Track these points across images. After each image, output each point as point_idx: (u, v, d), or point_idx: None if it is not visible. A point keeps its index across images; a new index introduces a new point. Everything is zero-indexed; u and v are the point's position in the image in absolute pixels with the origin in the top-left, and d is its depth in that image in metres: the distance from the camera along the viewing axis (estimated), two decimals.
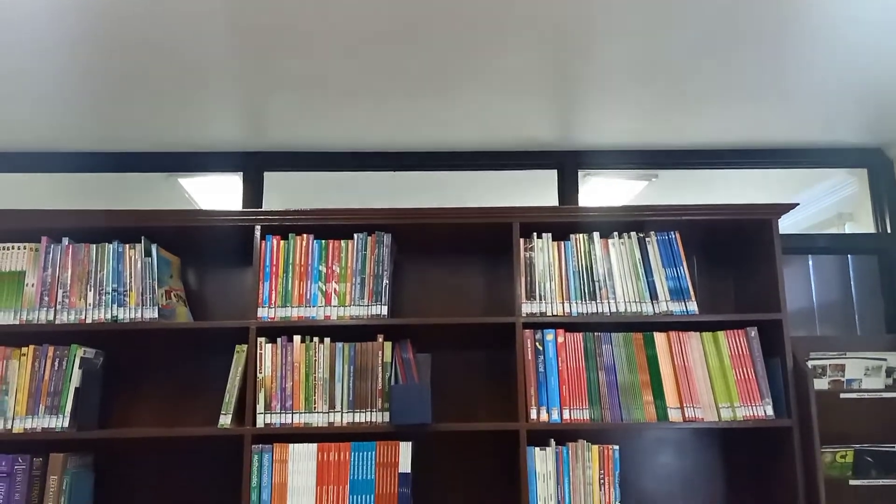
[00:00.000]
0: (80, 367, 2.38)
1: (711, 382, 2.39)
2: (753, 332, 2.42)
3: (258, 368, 2.39)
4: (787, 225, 3.31)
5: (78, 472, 2.37)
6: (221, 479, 2.58)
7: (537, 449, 2.34)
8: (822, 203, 3.56)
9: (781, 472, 2.39)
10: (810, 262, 3.51)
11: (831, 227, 3.48)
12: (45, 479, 2.29)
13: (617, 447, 2.35)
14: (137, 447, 2.61)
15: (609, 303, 2.45)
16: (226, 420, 2.35)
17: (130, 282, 2.44)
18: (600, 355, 2.41)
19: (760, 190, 3.50)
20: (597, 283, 2.47)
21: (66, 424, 2.32)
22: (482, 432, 2.62)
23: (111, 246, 2.47)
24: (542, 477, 2.32)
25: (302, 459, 2.33)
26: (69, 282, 2.43)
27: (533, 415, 2.36)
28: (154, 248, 2.48)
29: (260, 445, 2.33)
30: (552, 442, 2.36)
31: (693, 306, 2.44)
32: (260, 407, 2.37)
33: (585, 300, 2.45)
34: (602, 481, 2.32)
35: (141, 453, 2.61)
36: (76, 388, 2.36)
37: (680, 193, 3.44)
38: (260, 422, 2.36)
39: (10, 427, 2.31)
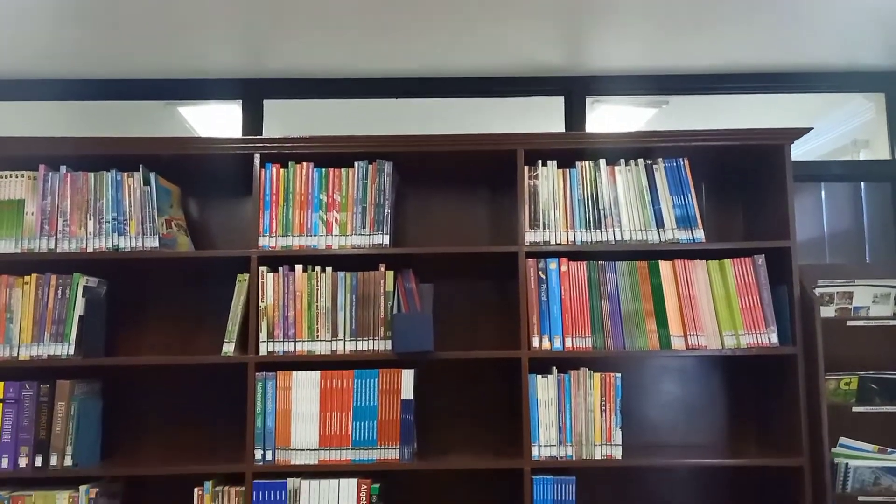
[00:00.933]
0: (83, 296, 2.38)
1: (716, 310, 2.37)
2: (760, 259, 2.39)
3: (260, 297, 2.38)
4: (800, 154, 3.23)
5: (85, 399, 2.40)
6: (227, 406, 2.61)
7: (539, 377, 2.34)
8: (837, 131, 3.47)
9: (785, 399, 2.39)
10: (822, 191, 3.45)
11: (845, 155, 3.40)
12: (52, 405, 2.32)
13: (619, 375, 2.34)
14: (144, 375, 2.64)
15: (614, 231, 2.41)
16: (229, 348, 2.36)
17: (130, 210, 2.42)
18: (604, 284, 2.39)
19: (773, 119, 3.41)
20: (602, 212, 2.42)
21: (71, 352, 2.34)
22: (484, 360, 2.63)
23: (110, 175, 2.44)
24: (543, 404, 2.33)
25: (305, 387, 2.35)
26: (69, 210, 2.41)
27: (535, 343, 2.35)
28: (153, 176, 2.45)
29: (263, 373, 2.35)
30: (554, 370, 2.36)
31: (700, 234, 2.40)
32: (263, 335, 2.37)
33: (590, 228, 2.42)
34: (603, 408, 2.33)
35: (147, 381, 2.64)
36: (80, 317, 2.37)
37: (690, 121, 3.35)
38: (263, 350, 2.37)
39: (16, 354, 2.34)
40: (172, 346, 2.66)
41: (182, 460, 2.42)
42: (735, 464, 2.35)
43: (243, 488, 2.30)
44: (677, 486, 2.62)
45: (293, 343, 2.38)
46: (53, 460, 2.30)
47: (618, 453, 2.32)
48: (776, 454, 2.37)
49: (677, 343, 2.35)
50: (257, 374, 2.34)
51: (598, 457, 2.32)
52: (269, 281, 2.39)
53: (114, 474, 2.41)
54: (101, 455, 2.48)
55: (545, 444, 2.32)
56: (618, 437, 2.32)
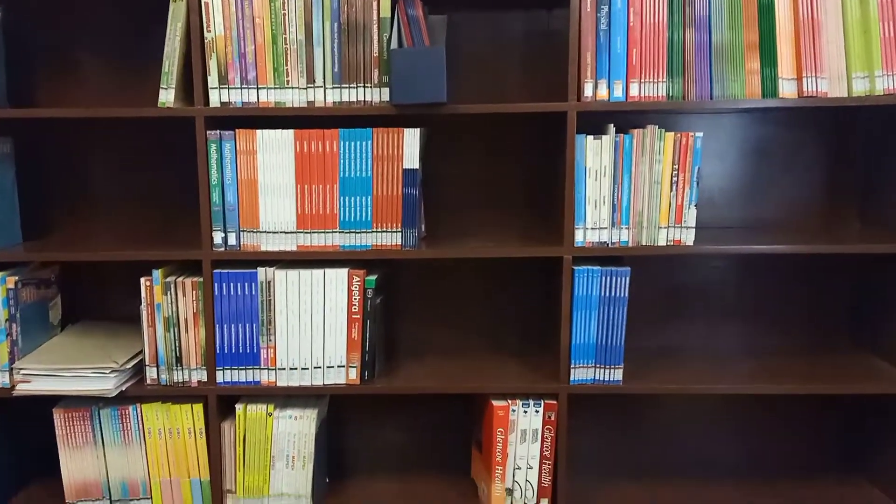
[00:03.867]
0: None
1: (846, 42, 1.68)
2: None
3: (205, 25, 1.71)
4: None
5: None
6: (180, 176, 2.03)
7: (590, 138, 1.73)
8: None
9: None
10: None
11: None
12: None
13: (699, 135, 1.72)
14: (72, 135, 2.04)
15: None
16: (167, 97, 1.73)
17: None
18: (690, 5, 1.68)
19: None
20: None
21: None
22: (515, 118, 2.00)
23: None
24: (593, 174, 1.74)
25: (275, 150, 1.75)
26: None
27: (587, 91, 1.71)
28: None
29: (218, 132, 1.74)
30: (611, 128, 1.74)
31: None
32: (213, 80, 1.74)
33: None
34: (675, 179, 1.74)
35: (80, 143, 2.05)
36: None
37: None
38: (214, 99, 1.74)
39: None
40: (105, 96, 2.03)
41: (126, 243, 1.90)
42: (832, 251, 1.78)
43: (201, 279, 1.79)
44: (752, 273, 2.10)
45: (255, 91, 1.74)
46: None
47: (689, 237, 1.77)
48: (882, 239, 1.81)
49: (787, 89, 1.69)
50: (209, 132, 1.74)
51: (662, 242, 1.77)
52: (215, 1, 1.71)
53: (34, 259, 1.91)
54: (23, 236, 1.96)
55: (593, 226, 1.76)
56: (691, 217, 1.76)
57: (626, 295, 1.78)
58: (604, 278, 1.78)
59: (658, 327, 2.12)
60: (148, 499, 1.90)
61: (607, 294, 1.79)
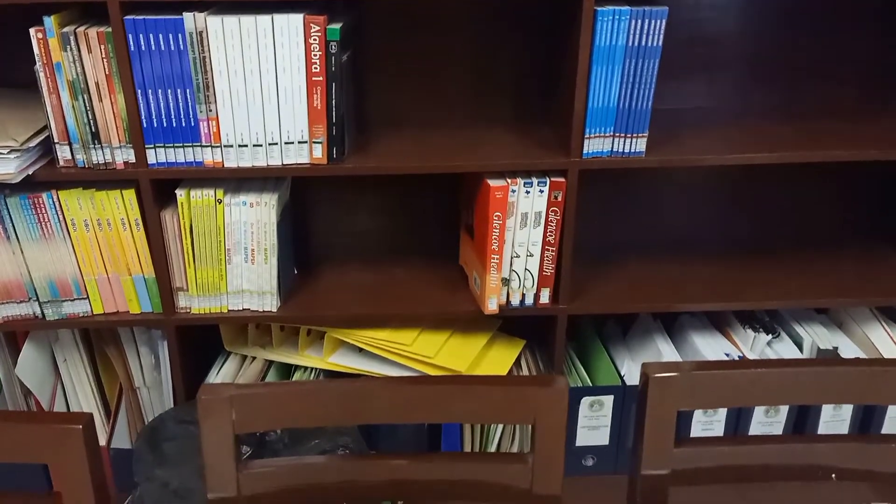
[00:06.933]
0: None
1: None
2: None
3: None
4: None
5: None
6: None
7: None
8: None
9: None
10: None
11: None
12: None
13: None
14: None
15: None
16: None
17: None
18: None
19: None
20: None
21: None
22: None
23: None
24: None
25: None
26: None
27: None
28: None
29: None
30: None
31: None
32: None
33: None
34: None
35: None
36: None
37: None
38: None
39: None
40: None
41: None
42: None
43: (109, 29, 1.36)
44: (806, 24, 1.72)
45: None
46: None
47: None
48: None
49: None
50: None
51: None
52: None
53: None
54: None
55: None
56: None
57: (660, 44, 1.41)
58: (634, 22, 1.39)
59: (682, 83, 1.77)
60: (84, 298, 1.61)
61: (636, 43, 1.41)
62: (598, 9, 1.37)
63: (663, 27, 1.39)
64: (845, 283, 1.72)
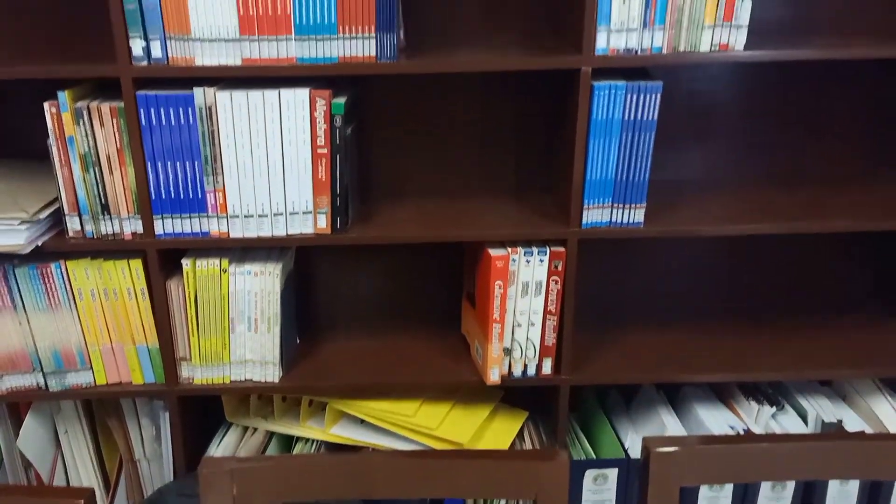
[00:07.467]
0: None
1: None
2: None
3: None
4: None
5: None
6: None
7: None
8: None
9: None
10: None
11: None
12: None
13: None
14: None
15: None
16: None
17: None
18: None
19: None
20: None
21: None
22: None
23: None
24: None
25: None
26: None
27: None
28: None
29: None
30: None
31: None
32: None
33: None
34: None
35: None
36: None
37: None
38: None
39: None
40: None
41: (21, 55, 1.49)
42: None
43: (122, 104, 1.41)
44: (801, 81, 1.77)
45: None
46: None
47: (739, 40, 1.41)
48: None
49: None
50: None
51: (705, 47, 1.41)
52: None
53: None
54: None
55: (618, 27, 1.39)
56: (744, 11, 1.39)
57: (656, 117, 1.45)
58: (629, 96, 1.43)
59: (680, 154, 1.80)
60: (88, 369, 1.62)
61: (632, 117, 1.45)
62: (595, 83, 1.42)
63: (658, 101, 1.43)
64: (848, 355, 1.71)
